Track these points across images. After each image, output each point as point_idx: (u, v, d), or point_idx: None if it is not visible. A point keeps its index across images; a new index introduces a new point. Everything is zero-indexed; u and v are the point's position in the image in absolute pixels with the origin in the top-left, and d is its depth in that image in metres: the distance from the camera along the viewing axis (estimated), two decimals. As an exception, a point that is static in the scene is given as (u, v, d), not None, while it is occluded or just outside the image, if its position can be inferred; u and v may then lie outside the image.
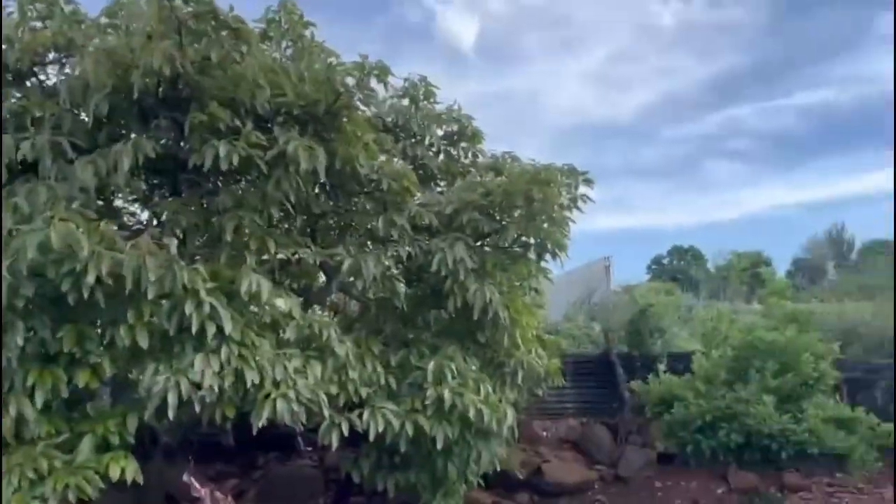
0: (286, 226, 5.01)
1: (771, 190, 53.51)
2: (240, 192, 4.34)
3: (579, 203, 5.38)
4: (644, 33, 40.93)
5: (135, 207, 4.83)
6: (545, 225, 5.25)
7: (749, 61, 43.25)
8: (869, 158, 48.48)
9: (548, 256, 5.40)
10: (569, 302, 11.90)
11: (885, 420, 7.06)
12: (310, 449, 7.33)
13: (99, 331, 3.53)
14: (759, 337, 5.98)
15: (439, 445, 4.48)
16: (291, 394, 3.63)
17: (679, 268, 37.01)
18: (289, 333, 3.92)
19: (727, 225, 47.69)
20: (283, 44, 4.58)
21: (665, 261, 38.72)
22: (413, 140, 5.79)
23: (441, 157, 6.10)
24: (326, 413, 3.91)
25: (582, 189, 5.41)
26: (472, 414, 4.49)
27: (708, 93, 45.86)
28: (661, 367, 6.74)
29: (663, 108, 47.82)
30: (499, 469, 5.41)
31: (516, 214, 5.22)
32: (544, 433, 8.62)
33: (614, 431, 8.50)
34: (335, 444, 4.13)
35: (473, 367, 4.97)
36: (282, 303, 3.88)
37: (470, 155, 6.25)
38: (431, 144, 5.92)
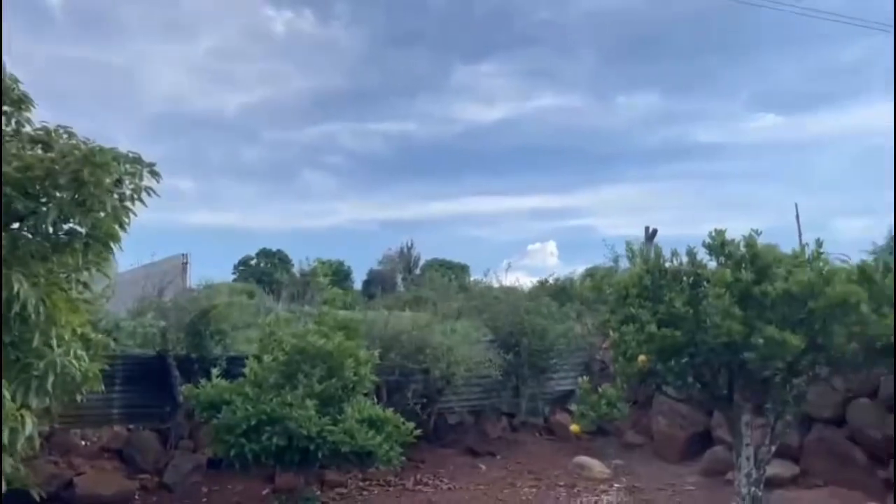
0: None
1: (357, 205, 57.81)
2: None
3: (143, 196, 5.05)
4: (253, 34, 40.81)
5: None
6: (101, 213, 4.78)
7: (348, 83, 46.18)
8: (438, 188, 55.59)
9: (114, 248, 4.97)
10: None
11: (413, 419, 8.01)
12: None
13: None
14: (310, 343, 6.28)
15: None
16: None
17: (266, 270, 37.50)
18: None
19: (316, 233, 49.98)
20: None
21: (253, 262, 38.88)
22: (-71, 94, 4.75)
23: (-28, 119, 5.11)
24: None
25: (149, 182, 5.09)
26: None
27: (309, 105, 47.62)
28: (216, 370, 6.65)
29: (266, 112, 48.21)
30: (9, 487, 4.69)
31: (64, 196, 4.65)
32: (84, 442, 7.84)
33: (165, 437, 8.13)
34: None
35: (-12, 370, 4.23)
36: None
37: (14, 123, 5.37)
38: (-42, 103, 4.93)
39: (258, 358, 6.40)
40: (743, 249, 5.06)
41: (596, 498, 7.64)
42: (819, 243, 5.10)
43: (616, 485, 8.19)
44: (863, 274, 5.09)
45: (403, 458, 6.92)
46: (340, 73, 45.90)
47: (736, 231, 5.25)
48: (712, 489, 7.70)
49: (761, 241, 5.13)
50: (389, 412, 6.65)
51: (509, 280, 12.59)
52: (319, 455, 6.10)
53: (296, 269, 37.94)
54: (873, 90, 44.16)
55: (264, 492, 7.81)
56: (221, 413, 6.13)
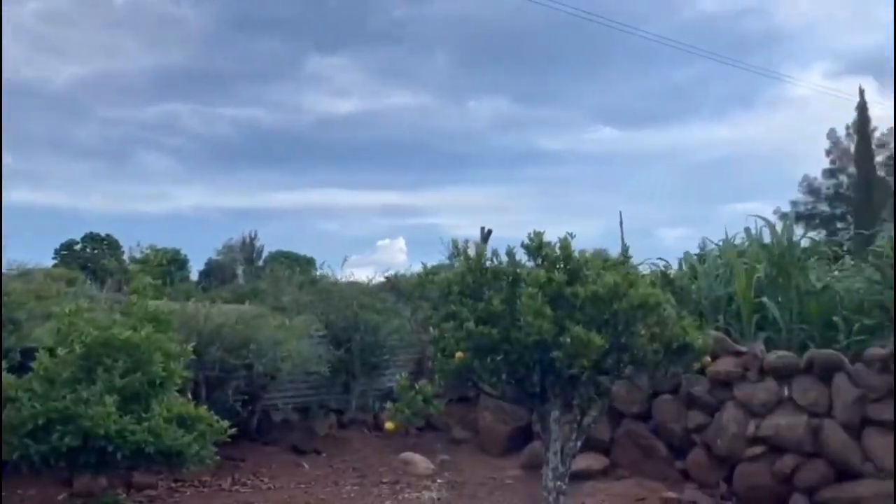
0: None
1: (198, 191, 55.16)
2: None
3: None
4: (89, 0, 37.72)
5: None
6: None
7: (194, 63, 43.95)
8: (287, 178, 54.23)
9: None
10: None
11: (233, 416, 7.66)
12: None
13: None
14: (114, 334, 5.79)
15: None
16: None
17: (92, 256, 34.79)
18: None
19: (153, 218, 47.08)
20: None
21: (77, 246, 35.94)
22: None
23: None
24: None
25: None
26: None
27: (149, 82, 44.79)
28: (2, 364, 5.97)
29: (101, 87, 44.81)
30: None
31: None
32: None
33: (-59, 438, 7.22)
34: None
35: None
36: None
37: None
38: None
39: (51, 351, 5.81)
40: (558, 251, 5.22)
41: (417, 494, 7.66)
42: (626, 248, 5.38)
43: (439, 480, 8.27)
44: (665, 278, 5.43)
45: (218, 458, 6.58)
46: (186, 51, 43.66)
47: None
48: (529, 482, 7.94)
49: (593, 245, 5.36)
50: (203, 409, 6.27)
51: (348, 275, 12.40)
52: (119, 456, 5.63)
53: (126, 256, 35.53)
54: (699, 112, 48.27)
55: (60, 497, 7.13)
56: (4, 412, 5.51)
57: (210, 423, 6.27)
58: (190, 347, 6.45)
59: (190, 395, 6.98)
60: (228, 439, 6.41)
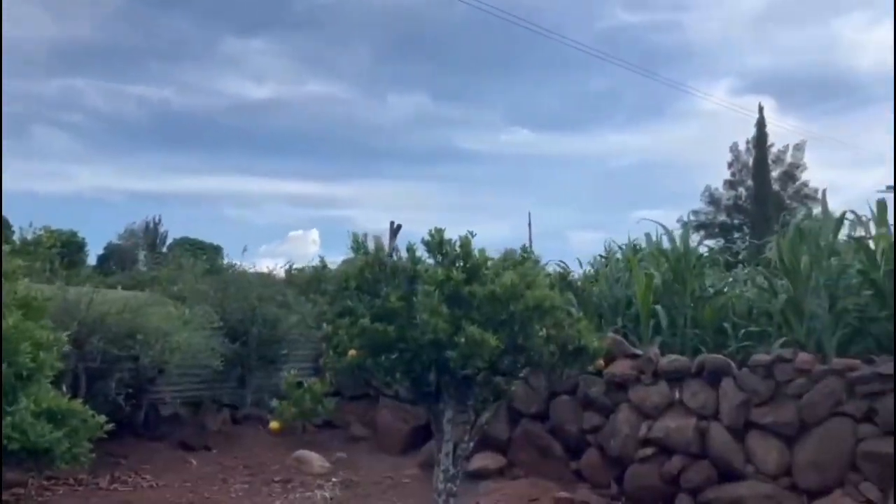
0: None
1: (100, 171, 52.47)
2: None
3: None
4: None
5: None
6: None
7: (99, 36, 41.65)
8: (197, 162, 52.24)
9: None
10: None
11: (116, 410, 7.23)
12: None
13: None
14: (-24, 322, 5.30)
15: None
16: None
17: (-24, 236, 32.52)
18: None
19: (49, 198, 44.37)
20: None
21: (-38, 225, 33.52)
22: None
23: None
24: None
25: None
26: None
27: (48, 54, 42.18)
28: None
29: (-4, 56, 41.85)
30: None
31: None
32: None
33: None
34: None
35: None
36: None
37: None
38: None
39: None
40: (458, 250, 5.14)
41: (310, 493, 7.43)
42: (525, 249, 5.34)
43: (333, 479, 8.06)
44: (563, 279, 5.43)
45: (94, 455, 6.15)
46: (90, 24, 41.30)
47: (483, 234, 5.33)
48: (426, 481, 7.82)
49: (504, 245, 5.31)
50: (76, 403, 5.82)
51: (250, 265, 12.02)
52: (-23, 453, 5.16)
53: (16, 237, 33.41)
54: (613, 119, 49.67)
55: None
56: None
57: (85, 417, 5.84)
58: (64, 336, 6.00)
59: (65, 388, 6.52)
60: (104, 435, 5.99)
